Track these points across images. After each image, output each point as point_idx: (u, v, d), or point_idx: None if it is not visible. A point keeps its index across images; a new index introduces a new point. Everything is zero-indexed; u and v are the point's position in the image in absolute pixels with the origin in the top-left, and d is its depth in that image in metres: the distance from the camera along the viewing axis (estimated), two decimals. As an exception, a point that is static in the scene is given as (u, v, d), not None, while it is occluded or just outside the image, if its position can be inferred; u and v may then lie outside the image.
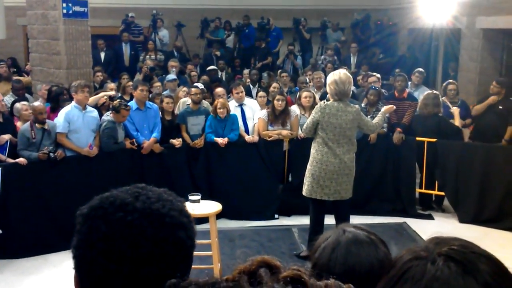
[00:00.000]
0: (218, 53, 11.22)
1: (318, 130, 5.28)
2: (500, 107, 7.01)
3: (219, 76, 10.00)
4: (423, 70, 8.33)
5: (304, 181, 5.45)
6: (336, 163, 5.23)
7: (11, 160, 5.72)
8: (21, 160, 5.69)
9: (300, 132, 6.81)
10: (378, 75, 8.10)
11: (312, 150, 5.39)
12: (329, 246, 1.46)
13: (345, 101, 5.28)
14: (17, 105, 6.43)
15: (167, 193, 1.09)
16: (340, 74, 5.27)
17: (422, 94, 7.39)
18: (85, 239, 1.02)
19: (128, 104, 6.39)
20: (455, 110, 7.00)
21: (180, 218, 1.05)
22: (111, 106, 6.34)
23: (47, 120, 6.01)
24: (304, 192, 5.44)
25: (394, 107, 6.18)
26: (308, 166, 5.40)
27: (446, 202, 7.13)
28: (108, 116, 6.25)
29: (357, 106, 5.53)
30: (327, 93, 5.53)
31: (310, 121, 5.34)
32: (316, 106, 5.40)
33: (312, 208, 5.48)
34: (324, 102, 5.34)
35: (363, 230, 1.50)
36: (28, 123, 5.90)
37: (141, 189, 1.07)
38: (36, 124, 5.87)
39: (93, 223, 1.01)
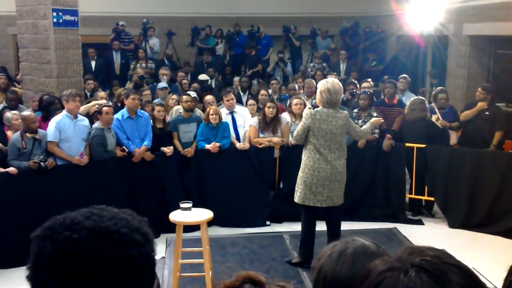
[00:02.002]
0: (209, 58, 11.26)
1: (309, 136, 5.30)
2: (487, 113, 7.10)
3: (209, 84, 10.03)
4: (407, 76, 8.40)
5: (296, 188, 5.46)
6: (328, 169, 5.26)
7: (1, 170, 5.70)
8: (11, 169, 5.66)
9: (290, 139, 6.85)
10: (372, 82, 8.20)
11: (304, 157, 5.40)
12: (336, 252, 1.45)
13: (334, 107, 5.33)
14: (8, 114, 6.40)
15: (126, 213, 1.07)
16: (333, 83, 5.31)
17: (408, 99, 7.48)
18: (35, 260, 1.01)
19: (119, 111, 6.40)
20: (434, 117, 7.15)
21: (132, 235, 1.02)
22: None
23: (38, 130, 5.99)
24: (296, 199, 5.44)
25: (382, 120, 6.29)
26: (300, 173, 5.41)
27: (436, 208, 7.19)
28: (96, 124, 6.27)
29: (346, 111, 5.58)
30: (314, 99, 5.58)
31: (301, 128, 5.34)
32: (306, 113, 5.39)
33: (304, 215, 5.49)
34: (314, 109, 5.38)
35: (372, 242, 1.49)
36: (18, 133, 5.88)
37: (96, 210, 1.06)
38: (27, 134, 5.86)
39: (42, 243, 1.01)
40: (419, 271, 0.92)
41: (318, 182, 5.27)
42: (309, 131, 5.28)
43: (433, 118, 7.17)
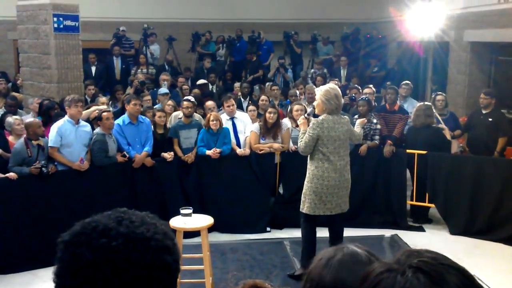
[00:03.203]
0: (209, 64, 11.26)
1: (318, 145, 5.22)
2: (490, 119, 7.08)
3: (210, 89, 10.03)
4: (409, 82, 8.40)
5: (303, 199, 5.36)
6: (337, 178, 5.23)
7: (1, 175, 5.67)
8: (11, 174, 5.64)
9: (291, 145, 6.85)
10: (373, 89, 8.20)
11: (311, 167, 5.30)
12: (325, 258, 1.47)
13: (339, 113, 5.33)
14: (9, 119, 6.38)
15: (150, 217, 1.07)
16: (336, 88, 5.33)
17: (410, 106, 7.46)
18: (68, 267, 0.98)
19: (121, 117, 6.39)
20: (446, 130, 7.04)
21: (165, 241, 1.03)
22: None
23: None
24: (306, 210, 5.32)
25: (366, 120, 6.29)
26: (308, 184, 5.30)
27: (436, 214, 7.15)
28: (97, 129, 6.27)
29: (346, 117, 5.58)
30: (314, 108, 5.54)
31: (309, 138, 5.19)
32: (312, 123, 5.27)
33: (307, 223, 5.42)
34: (312, 117, 5.35)
35: (364, 250, 1.49)
36: (22, 141, 5.83)
37: (123, 213, 1.05)
38: (32, 141, 5.83)
39: (76, 250, 0.98)
40: (416, 272, 0.92)
41: (327, 190, 5.23)
42: (318, 140, 5.24)
43: (446, 132, 7.05)
